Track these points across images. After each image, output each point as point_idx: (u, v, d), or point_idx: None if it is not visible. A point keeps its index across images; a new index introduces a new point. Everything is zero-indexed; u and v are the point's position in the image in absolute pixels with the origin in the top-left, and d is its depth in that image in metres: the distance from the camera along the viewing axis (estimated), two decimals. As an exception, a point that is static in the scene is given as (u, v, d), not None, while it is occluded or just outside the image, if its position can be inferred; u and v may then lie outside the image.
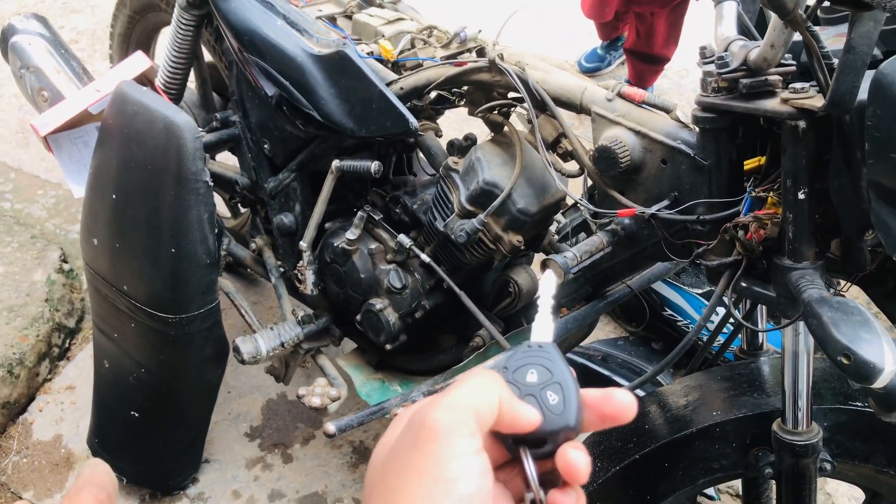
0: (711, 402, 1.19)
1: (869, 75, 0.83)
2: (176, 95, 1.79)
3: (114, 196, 1.48)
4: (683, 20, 2.72)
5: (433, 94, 1.45)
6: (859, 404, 1.13)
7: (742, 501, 1.38)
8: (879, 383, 0.84)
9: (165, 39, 1.75)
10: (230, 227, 2.02)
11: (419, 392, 1.21)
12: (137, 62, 1.59)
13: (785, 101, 0.93)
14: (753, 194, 1.02)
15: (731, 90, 0.98)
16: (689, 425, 1.18)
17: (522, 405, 0.48)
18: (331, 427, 1.29)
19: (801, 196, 0.95)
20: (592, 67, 3.21)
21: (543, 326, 0.55)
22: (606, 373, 1.72)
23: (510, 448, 0.49)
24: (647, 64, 2.87)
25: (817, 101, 0.89)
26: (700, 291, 1.85)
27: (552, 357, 0.52)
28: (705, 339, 1.53)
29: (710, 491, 1.74)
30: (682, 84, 3.21)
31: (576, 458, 0.47)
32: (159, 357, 1.59)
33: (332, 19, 1.54)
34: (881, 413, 0.94)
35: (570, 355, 1.80)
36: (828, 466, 1.13)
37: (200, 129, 1.44)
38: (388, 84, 1.34)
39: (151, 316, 1.53)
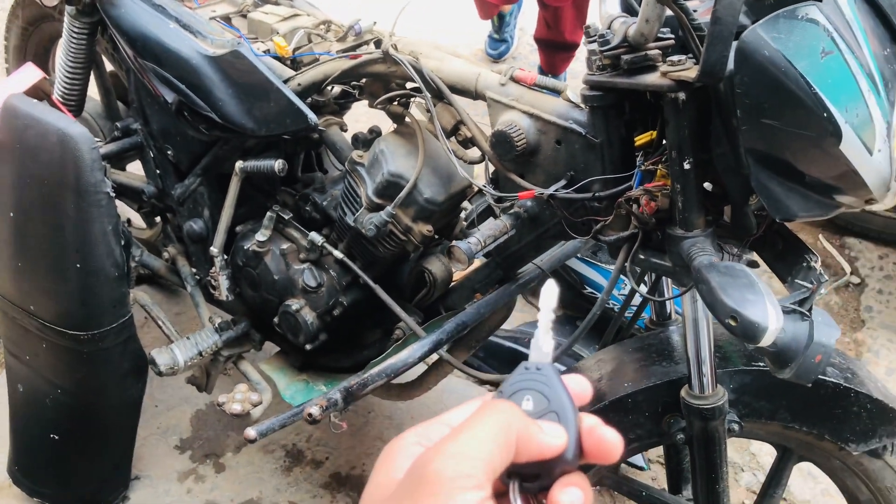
0: (623, 374, 1.21)
1: (738, 45, 0.86)
2: (76, 107, 1.74)
3: (11, 214, 1.43)
4: (588, 4, 2.76)
5: (336, 89, 1.45)
6: (761, 364, 1.17)
7: (665, 468, 1.41)
8: (765, 341, 0.87)
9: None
10: (146, 238, 1.98)
11: (337, 390, 1.21)
12: (28, 74, 1.54)
13: (664, 74, 0.95)
14: (643, 168, 1.04)
15: (615, 67, 1.00)
16: (602, 398, 1.20)
17: (545, 430, 0.45)
18: (251, 432, 1.27)
19: (686, 166, 0.98)
20: (498, 53, 3.24)
21: (542, 345, 0.51)
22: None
23: (502, 479, 0.45)
24: (557, 52, 2.91)
25: (693, 73, 0.92)
26: (618, 268, 1.88)
27: (550, 381, 0.48)
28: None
29: (640, 461, 1.78)
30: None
31: (573, 499, 0.43)
32: (75, 376, 1.55)
33: (226, 19, 1.51)
34: (776, 371, 0.98)
35: (497, 339, 1.82)
36: (736, 427, 1.16)
37: (98, 140, 1.40)
38: (286, 81, 1.32)
39: (62, 334, 1.48)
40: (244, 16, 1.53)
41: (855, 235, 2.31)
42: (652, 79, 0.96)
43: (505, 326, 1.64)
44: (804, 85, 0.84)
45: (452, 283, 1.43)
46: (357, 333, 1.59)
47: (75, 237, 1.40)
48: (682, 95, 0.94)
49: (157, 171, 1.60)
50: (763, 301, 0.87)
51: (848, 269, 2.24)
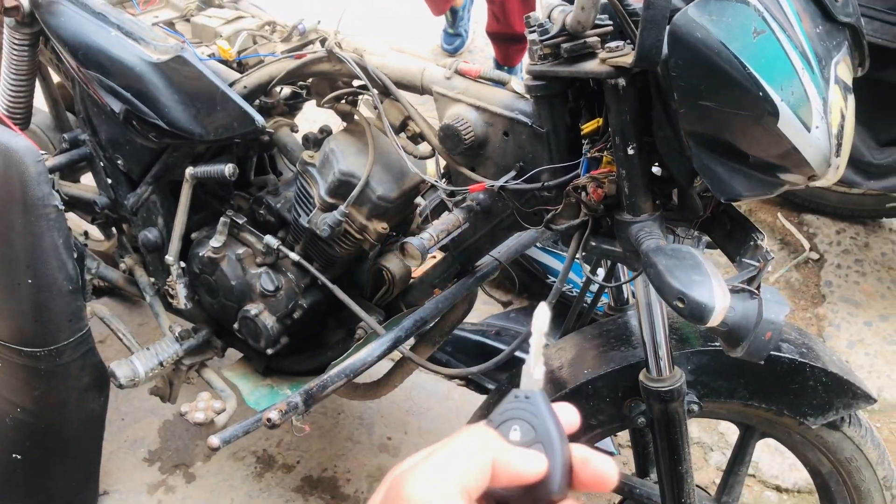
0: (583, 361, 1.22)
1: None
2: (22, 119, 1.71)
3: (-42, 232, 1.40)
4: None
5: (286, 90, 1.43)
6: (718, 345, 1.18)
7: (633, 452, 1.42)
8: (713, 321, 0.88)
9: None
10: (104, 250, 1.95)
11: (298, 393, 1.20)
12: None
13: (603, 61, 0.95)
14: (589, 156, 1.04)
15: (556, 56, 1.01)
16: (563, 386, 1.21)
17: (523, 456, 0.44)
18: (214, 440, 1.26)
19: (630, 152, 0.98)
20: (454, 48, 3.25)
21: (534, 372, 0.50)
22: (503, 346, 1.75)
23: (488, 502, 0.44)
24: (510, 44, 2.91)
25: (630, 58, 0.92)
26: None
27: (538, 410, 0.48)
28: (589, 300, 1.58)
29: (609, 446, 1.79)
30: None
31: None
32: (34, 394, 1.52)
33: (170, 25, 1.49)
34: (728, 350, 0.99)
35: (462, 333, 1.81)
36: (695, 408, 1.17)
37: (44, 153, 1.38)
38: (231, 84, 1.31)
39: (18, 352, 1.45)
40: (188, 20, 1.51)
41: (812, 212, 2.35)
42: (591, 66, 0.96)
43: (472, 319, 1.64)
44: (738, 65, 0.84)
45: (412, 280, 1.42)
46: (319, 335, 1.59)
47: (25, 253, 1.37)
48: (621, 81, 0.94)
49: (109, 182, 1.57)
50: (709, 281, 0.88)
51: (807, 245, 2.28)
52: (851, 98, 0.99)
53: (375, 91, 1.20)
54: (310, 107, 1.51)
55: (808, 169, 0.93)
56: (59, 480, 1.68)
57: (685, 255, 0.92)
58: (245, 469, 1.85)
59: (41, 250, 1.38)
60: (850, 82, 0.99)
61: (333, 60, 1.23)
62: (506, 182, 1.13)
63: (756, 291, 0.96)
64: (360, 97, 1.28)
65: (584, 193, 1.05)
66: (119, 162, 1.52)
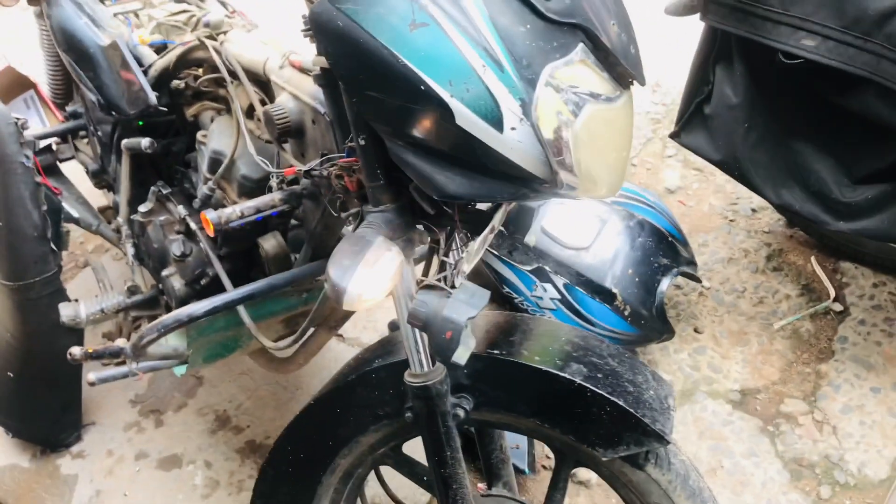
0: (375, 349, 1.24)
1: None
2: (63, 96, 2.03)
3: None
4: None
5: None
6: (496, 352, 1.15)
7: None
8: (348, 305, 0.89)
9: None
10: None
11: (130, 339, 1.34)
12: (-8, 63, 1.83)
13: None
14: (347, 145, 1.08)
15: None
16: (353, 372, 1.23)
17: None
18: (91, 376, 1.43)
19: (361, 142, 1.01)
20: None
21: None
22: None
23: None
24: None
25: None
26: (529, 268, 1.86)
27: None
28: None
29: (521, 464, 1.75)
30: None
31: None
32: (15, 321, 1.80)
33: (135, 14, 1.71)
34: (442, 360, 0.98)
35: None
36: (461, 412, 1.15)
37: (17, 117, 1.64)
38: (146, 68, 1.49)
39: (2, 285, 1.74)
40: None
41: (851, 260, 2.08)
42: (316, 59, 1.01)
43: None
44: (389, 56, 0.85)
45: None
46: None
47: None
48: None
49: (99, 151, 1.83)
50: (356, 267, 0.90)
51: (832, 294, 2.03)
52: (596, 106, 0.94)
53: (228, 77, 1.31)
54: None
55: (522, 171, 0.91)
56: (44, 402, 1.96)
57: (360, 241, 0.94)
58: (204, 424, 2.03)
59: (9, 199, 1.64)
60: (595, 88, 0.94)
61: (204, 48, 1.36)
62: (308, 168, 1.19)
63: (446, 288, 0.94)
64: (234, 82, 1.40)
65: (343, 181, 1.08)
66: (98, 133, 1.77)
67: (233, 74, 1.32)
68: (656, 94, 3.02)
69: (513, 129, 0.89)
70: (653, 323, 1.88)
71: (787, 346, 1.98)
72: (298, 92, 1.20)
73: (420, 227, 1.05)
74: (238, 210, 1.22)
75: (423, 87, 0.85)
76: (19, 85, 1.93)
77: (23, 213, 1.66)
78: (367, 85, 0.88)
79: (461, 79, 0.86)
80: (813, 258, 2.14)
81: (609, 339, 1.77)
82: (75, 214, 1.89)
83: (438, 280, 0.95)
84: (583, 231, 1.88)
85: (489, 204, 1.06)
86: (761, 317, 2.08)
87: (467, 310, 0.93)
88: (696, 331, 2.08)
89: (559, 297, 1.84)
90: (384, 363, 1.21)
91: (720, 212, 2.43)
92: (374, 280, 0.90)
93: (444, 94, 0.86)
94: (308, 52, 1.17)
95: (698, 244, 2.31)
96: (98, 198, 2.15)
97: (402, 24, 0.85)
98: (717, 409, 1.89)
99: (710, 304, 2.15)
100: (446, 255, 1.03)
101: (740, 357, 1.99)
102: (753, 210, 2.41)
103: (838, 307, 2.02)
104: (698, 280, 2.06)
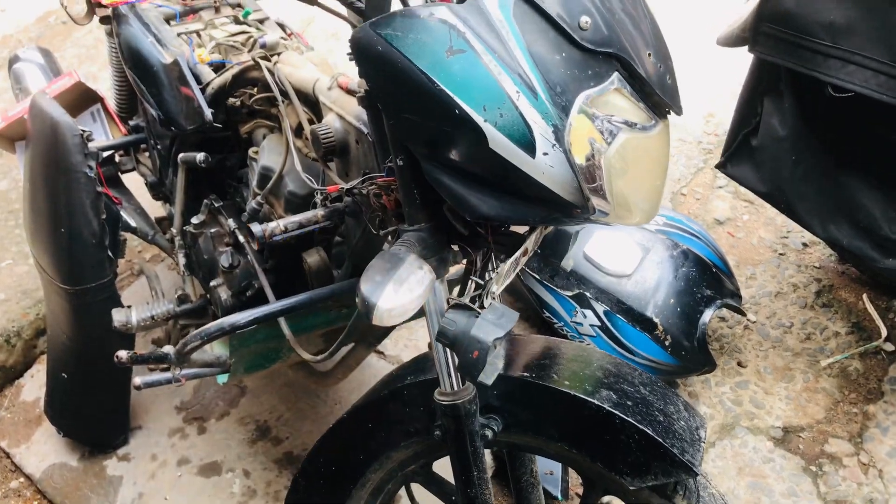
0: (409, 366, 1.26)
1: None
2: (127, 110, 2.12)
3: (29, 187, 1.81)
4: None
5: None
6: (527, 375, 1.16)
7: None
8: (377, 320, 0.91)
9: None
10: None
11: (174, 346, 1.39)
12: (63, 80, 1.93)
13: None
14: (387, 165, 1.11)
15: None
16: (386, 388, 1.26)
17: None
18: (137, 380, 1.49)
19: (399, 163, 1.04)
20: None
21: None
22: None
23: None
24: None
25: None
26: (570, 294, 1.86)
27: None
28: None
29: (554, 491, 1.74)
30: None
31: None
32: (71, 325, 1.88)
33: (197, 35, 1.78)
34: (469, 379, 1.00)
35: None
36: (489, 433, 1.16)
37: (84, 129, 1.72)
38: (205, 86, 1.55)
39: (58, 288, 1.82)
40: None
41: (909, 298, 2.03)
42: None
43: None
44: (426, 81, 0.88)
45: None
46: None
47: (62, 207, 1.73)
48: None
49: (158, 163, 1.91)
50: (386, 283, 0.92)
51: (884, 333, 1.97)
52: (631, 134, 0.95)
53: (280, 97, 1.36)
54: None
55: (554, 196, 0.93)
56: (94, 404, 2.03)
57: (393, 259, 0.96)
58: (244, 433, 2.08)
59: (72, 207, 1.72)
60: (629, 117, 0.95)
61: (259, 68, 1.41)
62: (350, 186, 1.22)
63: (475, 308, 0.96)
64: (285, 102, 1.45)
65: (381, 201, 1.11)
66: (158, 147, 1.85)
67: (284, 94, 1.36)
68: (709, 125, 2.99)
69: (545, 154, 0.91)
70: (694, 354, 1.85)
71: (833, 384, 1.93)
72: (344, 112, 1.24)
73: (455, 247, 1.08)
74: (282, 224, 1.26)
75: (457, 112, 0.88)
76: (88, 99, 2.02)
77: (83, 221, 1.73)
78: (405, 108, 0.91)
79: (495, 104, 0.89)
80: (865, 295, 2.09)
81: (648, 370, 1.76)
82: (133, 224, 1.96)
83: (469, 300, 0.97)
84: (625, 258, 1.88)
85: (524, 227, 1.08)
86: (808, 353, 2.04)
87: (495, 330, 0.95)
88: (739, 364, 2.04)
89: (599, 323, 1.84)
90: (416, 380, 1.23)
91: (770, 245, 2.40)
92: (403, 297, 0.92)
93: (478, 119, 0.88)
94: (356, 75, 1.22)
95: (746, 277, 2.28)
96: (156, 209, 2.23)
97: (440, 49, 0.88)
98: (758, 446, 1.85)
99: (755, 337, 2.11)
100: (481, 276, 1.05)
101: (784, 393, 1.95)
102: (804, 244, 2.36)
103: (889, 347, 1.96)
104: (743, 313, 2.03)
